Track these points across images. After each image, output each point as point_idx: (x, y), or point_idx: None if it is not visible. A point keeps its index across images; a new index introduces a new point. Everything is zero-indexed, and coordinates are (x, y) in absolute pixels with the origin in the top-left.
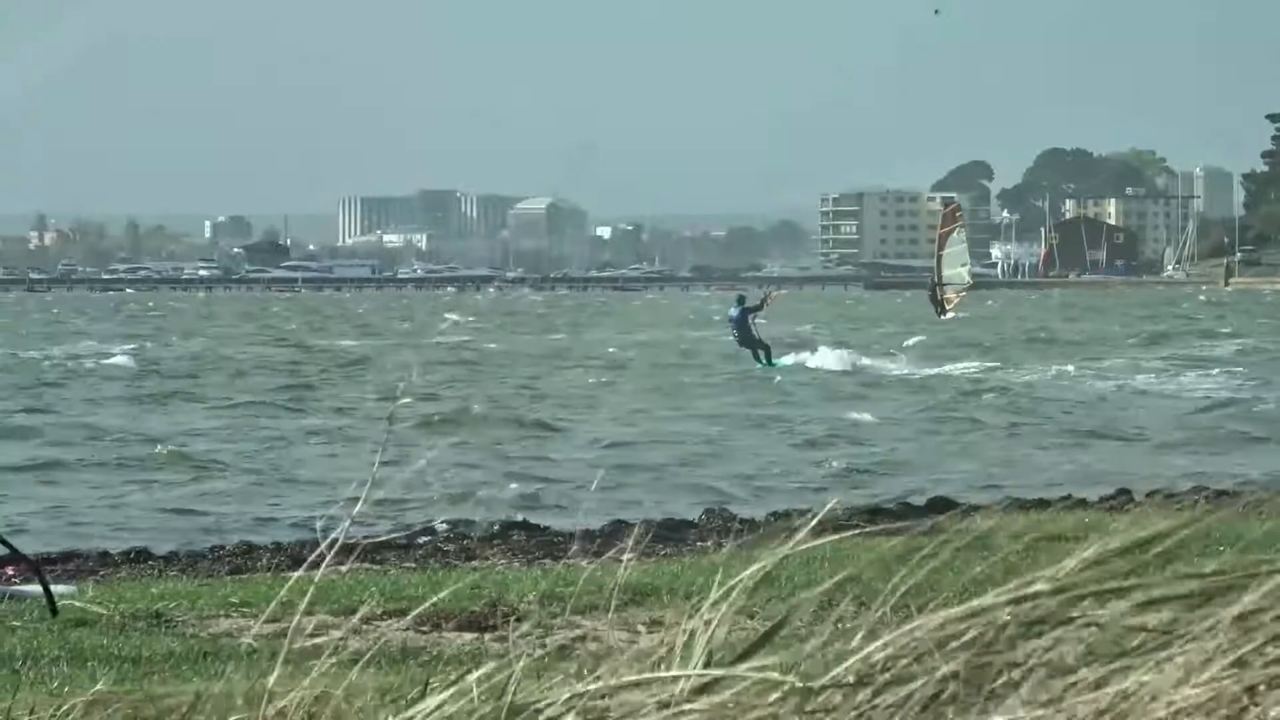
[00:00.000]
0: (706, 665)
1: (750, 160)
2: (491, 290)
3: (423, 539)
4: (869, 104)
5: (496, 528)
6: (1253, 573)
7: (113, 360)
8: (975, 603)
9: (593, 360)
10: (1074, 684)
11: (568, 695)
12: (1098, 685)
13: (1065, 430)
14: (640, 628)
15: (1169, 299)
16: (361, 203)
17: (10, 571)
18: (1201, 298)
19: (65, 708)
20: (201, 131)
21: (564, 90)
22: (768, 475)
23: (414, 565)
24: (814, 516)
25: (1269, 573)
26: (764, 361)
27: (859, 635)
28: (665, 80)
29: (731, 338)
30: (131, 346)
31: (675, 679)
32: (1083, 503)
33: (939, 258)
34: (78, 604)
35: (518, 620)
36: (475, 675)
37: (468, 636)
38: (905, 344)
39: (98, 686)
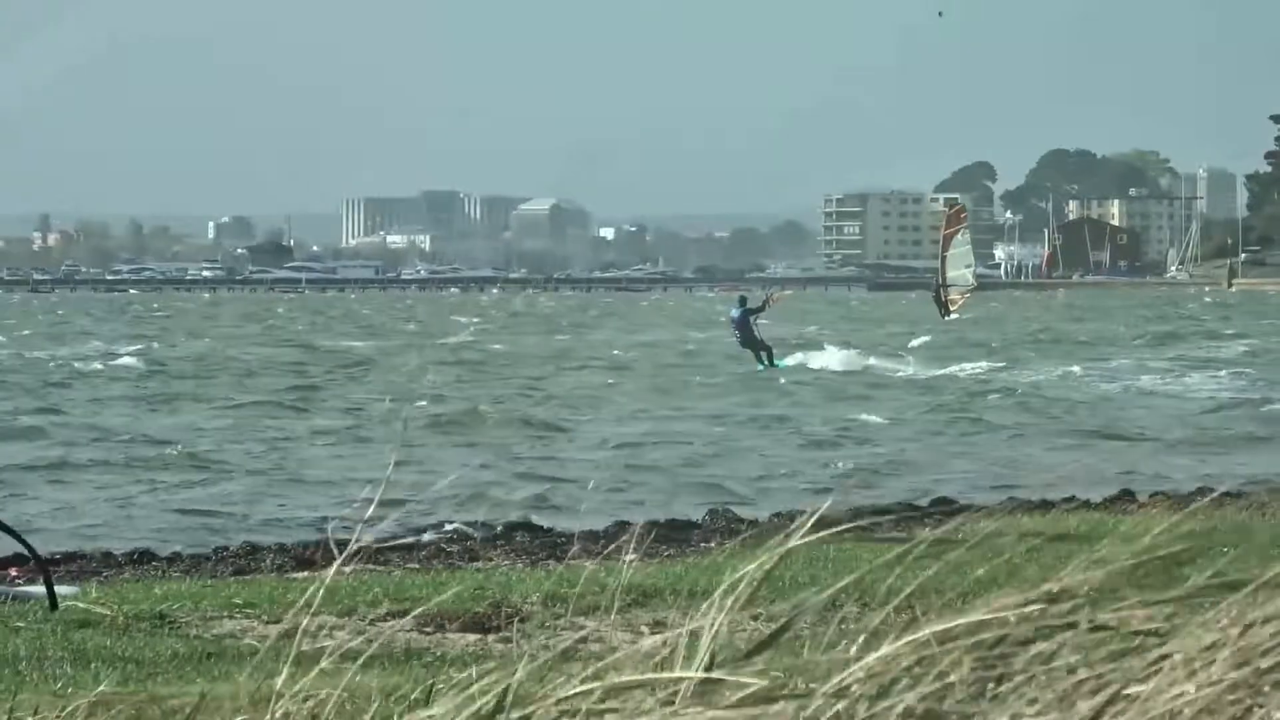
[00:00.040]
0: (709, 667)
1: (753, 161)
2: (495, 291)
3: (426, 539)
4: (871, 105)
5: (500, 528)
6: (1256, 575)
7: (120, 361)
8: (977, 617)
9: (597, 361)
10: (1077, 685)
11: (569, 694)
12: (1100, 688)
13: (1071, 431)
14: (643, 628)
15: (1173, 300)
16: (365, 204)
17: (14, 573)
18: (1206, 299)
19: (69, 709)
20: (205, 132)
21: (567, 91)
22: (774, 476)
23: (417, 566)
24: (813, 515)
25: (1273, 577)
26: (766, 363)
27: (861, 638)
28: (668, 81)
29: (734, 339)
30: (138, 347)
31: (678, 680)
32: (1086, 503)
33: (943, 259)
34: (81, 605)
35: (521, 621)
36: (477, 685)
37: (471, 637)
38: (911, 344)
39: (101, 687)
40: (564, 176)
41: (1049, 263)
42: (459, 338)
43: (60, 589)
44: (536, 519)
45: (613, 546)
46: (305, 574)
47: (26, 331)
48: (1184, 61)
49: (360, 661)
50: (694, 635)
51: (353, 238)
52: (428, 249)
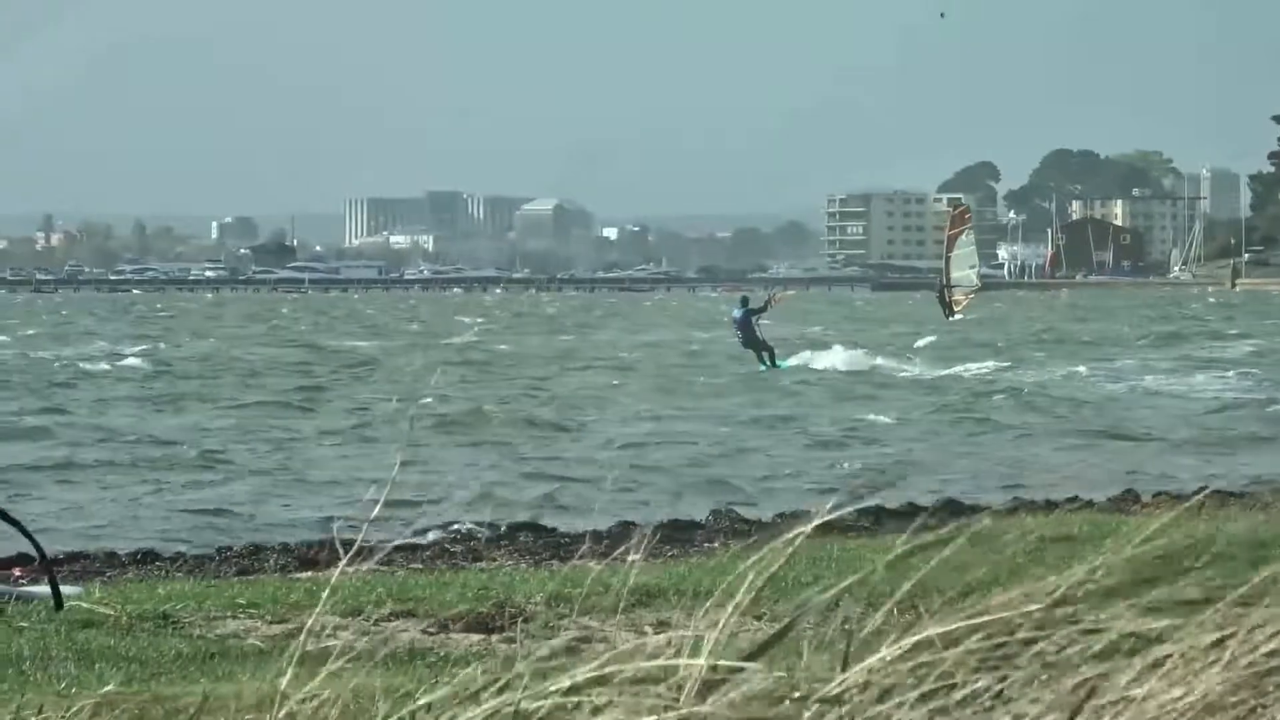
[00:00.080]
0: (713, 667)
1: (756, 161)
2: (498, 291)
3: (430, 539)
4: (873, 104)
5: (504, 529)
6: (1258, 578)
7: (126, 361)
8: (980, 619)
9: (602, 361)
10: (1079, 686)
11: (569, 687)
12: (1102, 688)
13: (1076, 431)
14: (647, 629)
15: (1176, 300)
16: (368, 204)
17: (18, 573)
18: (1210, 299)
19: (73, 709)
20: (208, 132)
21: (568, 91)
22: (778, 476)
23: (421, 566)
24: (818, 516)
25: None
26: (768, 363)
27: (863, 633)
28: (669, 81)
29: (735, 339)
30: (143, 347)
31: (680, 680)
32: (1090, 504)
33: (947, 259)
34: (85, 605)
35: (525, 621)
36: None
37: (475, 638)
38: (916, 345)
39: (105, 687)
40: (565, 177)
41: (1052, 263)
42: (463, 338)
43: (64, 589)
44: (544, 519)
45: (621, 550)
46: (309, 574)
47: (31, 332)
48: (1187, 61)
49: (360, 660)
50: (697, 635)
51: (356, 238)
52: (431, 249)
